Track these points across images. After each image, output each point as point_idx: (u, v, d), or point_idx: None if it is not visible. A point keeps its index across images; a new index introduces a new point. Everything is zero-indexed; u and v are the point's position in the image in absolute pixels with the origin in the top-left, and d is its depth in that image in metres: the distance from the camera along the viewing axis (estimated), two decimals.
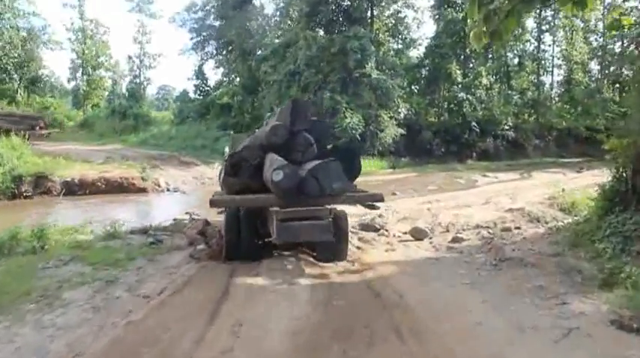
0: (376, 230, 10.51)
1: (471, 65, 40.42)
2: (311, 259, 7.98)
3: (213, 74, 69.01)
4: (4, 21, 52.55)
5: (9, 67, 52.69)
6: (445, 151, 35.98)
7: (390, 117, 33.28)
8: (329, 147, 8.50)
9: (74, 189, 19.49)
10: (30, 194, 18.70)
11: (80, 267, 6.63)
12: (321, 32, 35.38)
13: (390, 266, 7.20)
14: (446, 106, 39.79)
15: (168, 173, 25.49)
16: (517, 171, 29.58)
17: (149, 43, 76.84)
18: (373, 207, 8.53)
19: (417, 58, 42.44)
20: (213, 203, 7.52)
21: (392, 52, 39.70)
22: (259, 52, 40.69)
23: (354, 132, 30.41)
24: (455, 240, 8.68)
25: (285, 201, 6.92)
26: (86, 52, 64.49)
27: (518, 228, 9.45)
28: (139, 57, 63.40)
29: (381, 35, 38.82)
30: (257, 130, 9.75)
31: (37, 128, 23.00)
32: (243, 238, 7.57)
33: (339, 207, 7.79)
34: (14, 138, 23.12)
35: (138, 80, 63.61)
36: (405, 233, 10.13)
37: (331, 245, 7.43)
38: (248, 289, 6.02)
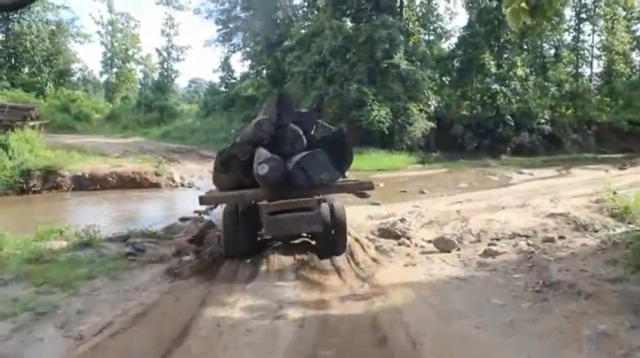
0: (397, 237, 9.22)
1: (506, 55, 38.43)
2: (314, 276, 6.76)
3: (240, 66, 68.26)
4: (33, 14, 52.69)
5: (37, 59, 52.82)
6: (477, 146, 34.33)
7: (420, 110, 31.88)
8: (319, 137, 8.34)
9: (85, 184, 18.72)
10: (39, 189, 17.99)
11: (19, 289, 5.47)
12: (348, 22, 33.99)
13: (407, 289, 5.89)
14: (479, 99, 38.10)
15: (186, 167, 24.66)
16: (554, 167, 27.85)
17: (177, 36, 76.92)
18: (364, 196, 8.68)
19: (449, 47, 40.78)
20: (202, 200, 7.57)
21: (422, 42, 38.01)
22: (286, 44, 39.62)
23: (381, 125, 29.22)
24: (487, 253, 7.32)
25: (272, 194, 6.94)
26: (115, 45, 64.79)
27: (563, 238, 8.03)
28: (167, 49, 63.24)
29: (410, 25, 37.23)
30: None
31: (29, 119, 22.30)
32: (242, 234, 7.53)
33: (336, 201, 7.98)
34: (28, 131, 22.57)
35: (166, 72, 63.55)
36: (430, 241, 8.81)
37: (328, 238, 7.56)
38: (216, 327, 4.71)
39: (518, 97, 35.61)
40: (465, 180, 22.29)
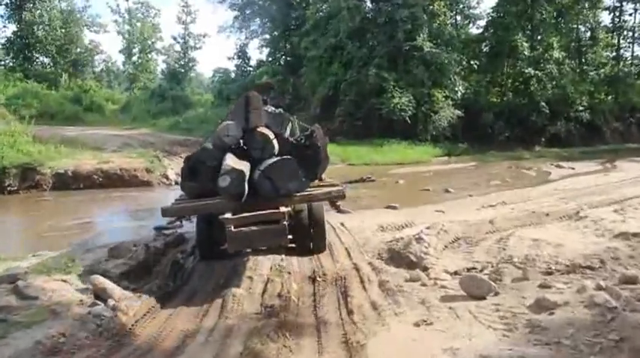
0: (410, 265, 6.87)
1: (540, 37, 35.30)
2: (276, 343, 4.47)
3: (258, 53, 66.41)
4: (45, 3, 51.42)
5: (50, 49, 51.62)
6: (509, 136, 31.71)
7: (446, 97, 29.37)
8: (292, 139, 7.64)
9: (68, 183, 16.83)
10: (15, 188, 16.03)
11: None
12: (367, 1, 31.42)
13: None
14: (510, 85, 35.21)
15: None
16: (596, 160, 25.09)
17: (193, 23, 75.47)
18: (338, 208, 8.77)
19: (477, 28, 37.88)
20: (165, 212, 7.08)
21: (449, 24, 35.15)
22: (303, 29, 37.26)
23: (403, 114, 26.78)
24: (541, 304, 4.87)
25: (237, 206, 6.54)
26: (132, 34, 63.69)
27: None
28: (183, 37, 61.74)
29: (435, 5, 34.37)
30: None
31: None
32: (215, 239, 7.26)
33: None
34: (16, 124, 20.82)
35: (183, 61, 62.19)
36: (455, 274, 6.41)
37: (307, 238, 7.60)
38: None
39: (554, 82, 32.63)
40: (497, 176, 19.74)
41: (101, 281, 5.51)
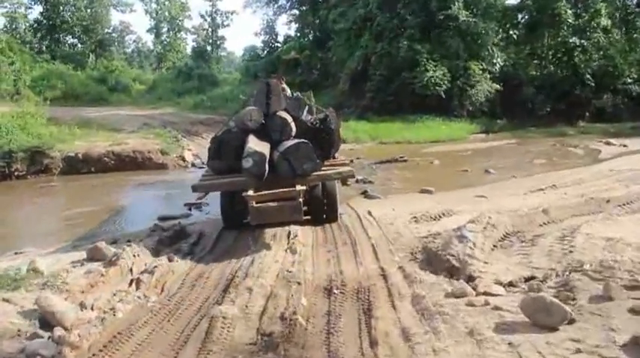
0: (451, 271, 5.50)
1: (584, 3, 32.77)
2: None
3: (286, 29, 65.11)
4: None
5: (75, 29, 51.27)
6: (550, 111, 29.54)
7: (483, 70, 27.44)
8: (309, 121, 8.48)
9: (78, 167, 15.91)
10: (24, 173, 15.13)
11: None
12: None
13: None
14: (551, 56, 32.90)
15: (207, 142, 21.26)
16: None
17: (221, 0, 74.44)
18: (346, 183, 9.05)
19: None
20: (195, 188, 7.97)
21: None
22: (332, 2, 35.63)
23: (437, 88, 25.14)
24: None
25: (258, 184, 7.24)
26: (159, 13, 63.17)
27: None
28: (211, 15, 60.74)
29: None
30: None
31: None
32: (237, 211, 8.05)
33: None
34: (29, 105, 19.98)
35: (211, 40, 61.38)
36: (511, 285, 5.03)
37: (321, 209, 8.26)
38: None
39: (601, 52, 30.29)
40: (541, 155, 18.08)
41: (50, 302, 4.26)
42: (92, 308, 4.46)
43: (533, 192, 10.87)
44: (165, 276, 5.76)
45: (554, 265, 5.37)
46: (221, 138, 8.11)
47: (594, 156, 17.81)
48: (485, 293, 4.78)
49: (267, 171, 7.25)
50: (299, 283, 5.28)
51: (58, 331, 3.92)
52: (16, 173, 15.00)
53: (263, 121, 7.97)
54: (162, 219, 9.77)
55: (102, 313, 4.44)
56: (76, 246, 7.37)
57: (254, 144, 7.40)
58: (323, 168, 7.89)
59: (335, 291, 5.15)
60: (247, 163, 7.11)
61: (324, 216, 8.27)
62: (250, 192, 7.10)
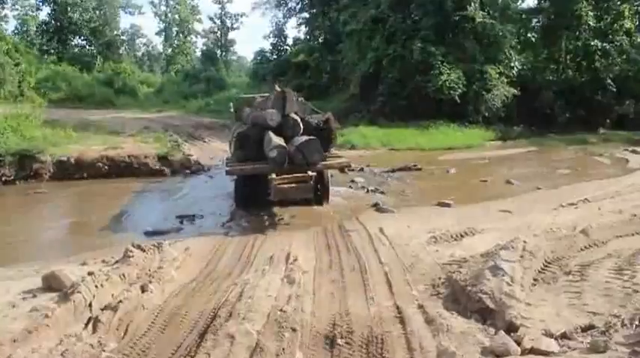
0: (485, 314, 4.40)
1: (606, 5, 31.52)
2: None
3: (295, 32, 64.53)
4: None
5: (83, 31, 50.76)
6: (570, 118, 28.25)
7: (500, 74, 26.23)
8: (313, 122, 10.33)
9: (70, 172, 14.82)
10: (11, 178, 14.14)
11: None
12: None
13: None
14: (569, 60, 31.66)
15: (210, 146, 20.49)
16: None
17: (230, 3, 74.28)
18: (343, 171, 11.48)
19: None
20: (228, 172, 10.08)
21: None
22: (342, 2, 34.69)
23: (452, 92, 24.07)
24: None
25: (279, 170, 9.16)
26: (169, 15, 62.99)
27: None
28: (220, 17, 60.44)
29: None
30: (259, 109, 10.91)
31: None
32: (249, 193, 10.11)
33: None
34: (25, 106, 19.12)
35: (220, 43, 61.12)
36: (564, 338, 3.92)
37: (317, 193, 10.24)
38: None
39: (624, 56, 29.04)
40: (563, 164, 16.91)
41: None
42: None
43: (563, 207, 9.78)
44: (132, 314, 4.69)
45: (617, 309, 4.25)
46: (244, 133, 10.09)
47: (622, 165, 16.61)
48: (534, 352, 3.67)
49: (286, 161, 9.12)
50: (294, 329, 4.19)
51: None
52: (3, 178, 14.04)
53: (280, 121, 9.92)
54: (149, 233, 8.76)
55: None
56: (39, 269, 6.30)
57: (277, 139, 9.38)
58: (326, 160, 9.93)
59: (339, 342, 4.06)
60: (273, 153, 9.09)
61: (319, 199, 10.31)
62: (273, 175, 8.97)
